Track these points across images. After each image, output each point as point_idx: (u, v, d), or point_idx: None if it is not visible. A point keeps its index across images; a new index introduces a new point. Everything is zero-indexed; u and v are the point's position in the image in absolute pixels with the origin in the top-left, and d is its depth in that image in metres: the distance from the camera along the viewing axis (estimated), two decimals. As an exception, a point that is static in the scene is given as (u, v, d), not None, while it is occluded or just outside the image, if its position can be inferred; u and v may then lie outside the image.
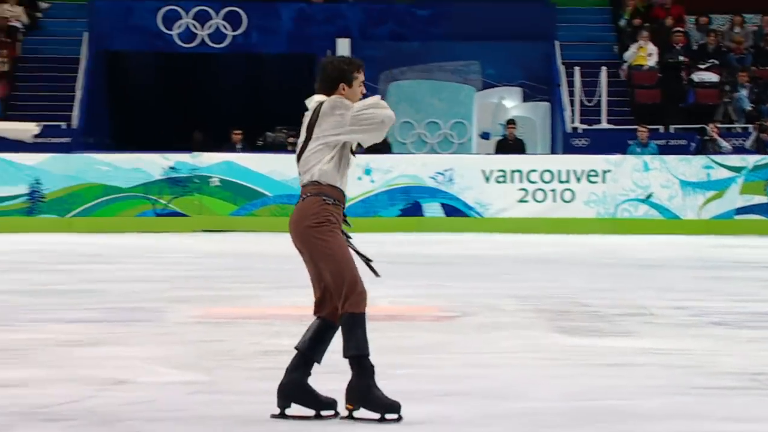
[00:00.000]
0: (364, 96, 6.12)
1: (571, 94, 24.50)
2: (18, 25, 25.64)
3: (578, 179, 21.41)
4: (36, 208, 20.94)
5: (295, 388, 6.05)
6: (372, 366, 6.05)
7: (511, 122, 23.61)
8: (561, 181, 21.41)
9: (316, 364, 6.12)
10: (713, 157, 21.68)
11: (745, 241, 19.70)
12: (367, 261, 6.09)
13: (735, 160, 21.54)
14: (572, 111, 24.37)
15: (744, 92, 24.27)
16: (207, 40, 25.22)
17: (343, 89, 6.00)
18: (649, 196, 21.29)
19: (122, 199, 20.97)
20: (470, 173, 21.39)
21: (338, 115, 5.94)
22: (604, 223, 21.23)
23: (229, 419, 6.13)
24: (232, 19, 25.23)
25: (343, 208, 6.05)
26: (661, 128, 23.94)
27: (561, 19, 25.96)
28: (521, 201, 21.42)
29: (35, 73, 24.99)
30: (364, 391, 6.01)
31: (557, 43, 25.38)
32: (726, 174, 21.27)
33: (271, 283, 13.18)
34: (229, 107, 25.80)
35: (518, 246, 18.41)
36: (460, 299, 11.36)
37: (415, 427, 5.99)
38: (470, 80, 25.52)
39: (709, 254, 17.48)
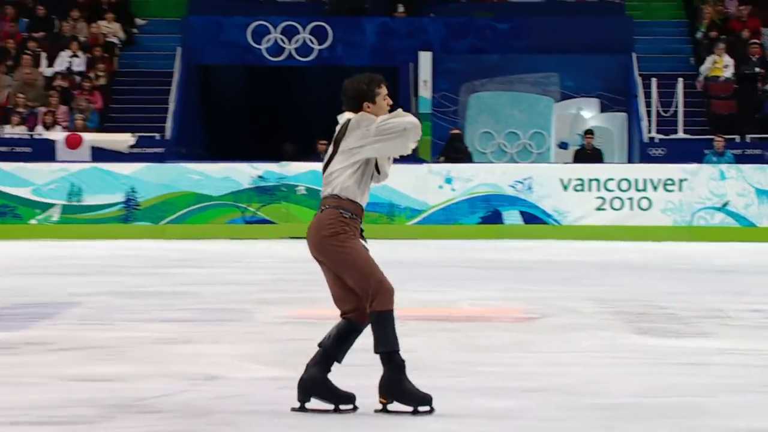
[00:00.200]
0: (393, 108, 6.09)
1: (648, 105, 24.31)
2: (115, 40, 25.97)
3: (655, 188, 21.23)
4: (131, 215, 21.17)
5: (314, 383, 6.08)
6: (403, 361, 6.06)
7: (589, 132, 23.47)
8: (638, 190, 21.24)
9: (336, 363, 6.14)
10: (788, 166, 21.41)
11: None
12: None
13: (810, 168, 21.24)
14: (649, 121, 24.17)
15: (819, 102, 23.91)
16: (294, 54, 25.38)
17: (368, 107, 6.07)
18: (725, 204, 21.05)
19: (213, 207, 21.13)
20: (549, 182, 21.29)
21: (364, 128, 6.01)
22: (681, 231, 21.01)
23: (315, 412, 6.15)
24: (319, 34, 25.36)
25: (361, 221, 6.09)
26: (737, 138, 23.66)
27: (638, 31, 25.79)
28: (599, 209, 21.28)
29: (131, 87, 25.29)
30: (396, 385, 6.02)
31: (634, 55, 25.20)
32: (801, 182, 20.99)
33: (355, 286, 13.18)
34: (315, 118, 25.90)
35: (596, 252, 18.28)
36: (538, 302, 11.31)
37: (495, 421, 5.98)
38: (549, 92, 25.42)
39: (784, 261, 17.25)
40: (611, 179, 21.32)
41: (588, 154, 22.96)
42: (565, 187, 21.29)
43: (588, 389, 6.82)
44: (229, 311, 10.69)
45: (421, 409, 5.99)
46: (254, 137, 25.84)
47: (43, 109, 23.79)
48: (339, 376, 6.17)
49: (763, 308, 11.03)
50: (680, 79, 24.03)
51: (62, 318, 10.24)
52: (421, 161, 23.03)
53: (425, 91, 25.02)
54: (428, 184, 21.22)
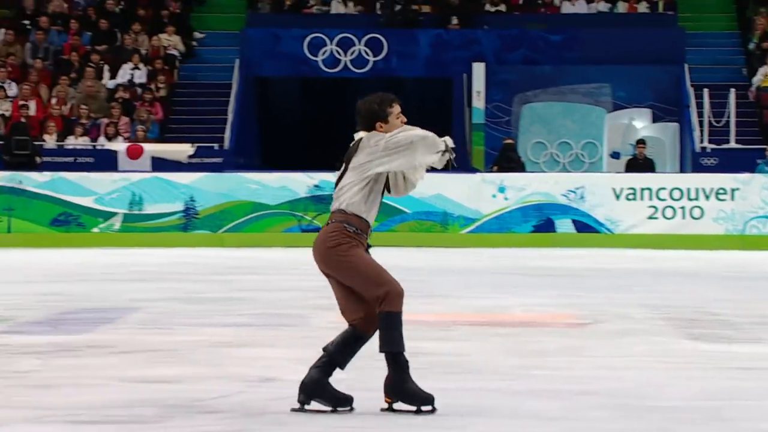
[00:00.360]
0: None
1: (700, 115, 24.12)
2: (175, 53, 26.16)
3: (707, 197, 21.06)
4: (190, 224, 21.29)
5: (315, 386, 6.11)
6: (407, 361, 6.09)
7: (641, 142, 23.33)
8: (690, 199, 21.08)
9: (339, 369, 6.18)
10: (841, 175, 21.16)
11: None
12: None
13: None
14: (701, 131, 23.99)
15: None
16: (350, 65, 25.45)
17: (380, 126, 6.13)
18: (778, 213, 20.85)
19: (270, 215, 21.20)
20: (601, 191, 21.18)
21: (373, 144, 6.06)
22: (733, 240, 20.82)
23: (370, 413, 6.14)
24: (374, 46, 25.42)
25: (367, 236, 6.13)
26: (789, 148, 23.42)
27: (691, 42, 25.63)
28: (651, 218, 21.14)
29: (191, 98, 25.46)
30: (400, 384, 6.06)
31: (686, 66, 25.03)
32: None
33: (408, 292, 13.10)
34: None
35: (648, 260, 18.15)
36: (590, 308, 11.24)
37: (548, 422, 5.95)
38: (601, 102, 25.31)
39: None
40: (663, 188, 21.18)
41: (640, 163, 22.81)
42: (618, 197, 21.17)
43: (640, 392, 6.77)
44: (285, 316, 10.71)
45: (423, 408, 6.03)
46: (310, 147, 25.90)
47: (105, 121, 24.00)
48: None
49: (816, 315, 10.90)
50: (732, 90, 23.85)
51: (123, 322, 10.31)
52: (474, 171, 23.00)
53: (478, 101, 24.99)
54: (481, 194, 21.18)
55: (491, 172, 22.46)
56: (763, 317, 10.63)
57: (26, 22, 26.48)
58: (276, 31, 25.68)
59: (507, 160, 22.71)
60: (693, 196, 21.08)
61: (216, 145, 23.83)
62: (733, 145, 23.75)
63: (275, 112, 27.44)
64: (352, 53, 25.39)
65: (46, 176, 21.25)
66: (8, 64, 25.25)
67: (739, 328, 9.92)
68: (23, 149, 22.40)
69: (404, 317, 10.58)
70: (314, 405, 6.14)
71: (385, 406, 6.12)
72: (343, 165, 6.18)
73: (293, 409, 6.14)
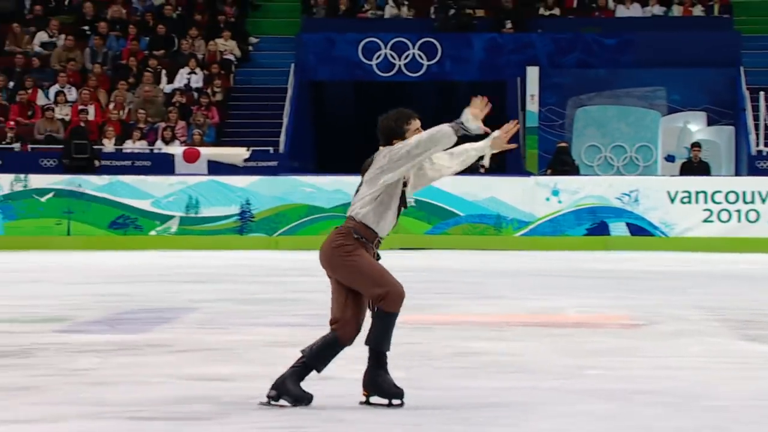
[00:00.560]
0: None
1: (756, 118, 23.91)
2: (231, 58, 26.30)
3: (763, 200, 20.88)
4: (246, 227, 21.40)
5: (282, 386, 6.21)
6: (386, 360, 6.23)
7: (696, 145, 23.16)
8: (746, 202, 20.91)
9: (315, 373, 6.27)
10: None
11: None
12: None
13: None
14: (757, 135, 23.78)
15: None
16: (404, 69, 25.47)
17: (398, 143, 6.21)
18: (834, 216, 20.62)
19: (325, 218, 21.26)
20: (656, 194, 21.06)
21: (382, 158, 6.21)
22: (789, 243, 20.63)
23: (425, 410, 6.15)
24: (428, 50, 25.42)
25: (374, 246, 6.24)
26: None
27: (746, 45, 25.41)
28: (706, 221, 20.99)
29: (246, 102, 25.58)
30: (375, 378, 6.20)
31: (742, 69, 24.82)
32: None
33: (462, 294, 13.20)
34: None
35: (703, 263, 18.02)
36: (645, 310, 11.18)
37: (603, 421, 5.92)
38: (656, 105, 25.16)
39: None
40: (719, 191, 21.02)
41: (695, 166, 22.65)
42: (672, 200, 21.04)
43: (695, 392, 6.73)
44: (341, 317, 10.71)
45: (394, 402, 6.16)
46: (364, 151, 25.88)
47: (162, 125, 24.17)
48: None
49: None
50: (788, 93, 23.64)
51: (181, 322, 10.39)
52: (528, 174, 22.94)
53: (532, 105, 24.92)
54: (535, 196, 21.12)
55: (545, 175, 22.39)
56: (819, 319, 10.53)
57: (86, 27, 26.74)
58: (331, 36, 25.75)
59: (561, 164, 22.63)
60: (749, 199, 20.91)
61: (271, 149, 23.92)
62: (789, 148, 23.54)
63: (330, 115, 27.52)
64: (406, 57, 25.42)
65: (104, 180, 21.45)
66: (68, 69, 25.51)
67: (795, 330, 9.84)
68: (82, 153, 22.61)
69: (453, 317, 10.66)
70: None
71: (363, 399, 6.25)
72: (361, 176, 6.33)
73: (261, 403, 6.23)
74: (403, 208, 6.37)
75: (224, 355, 8.36)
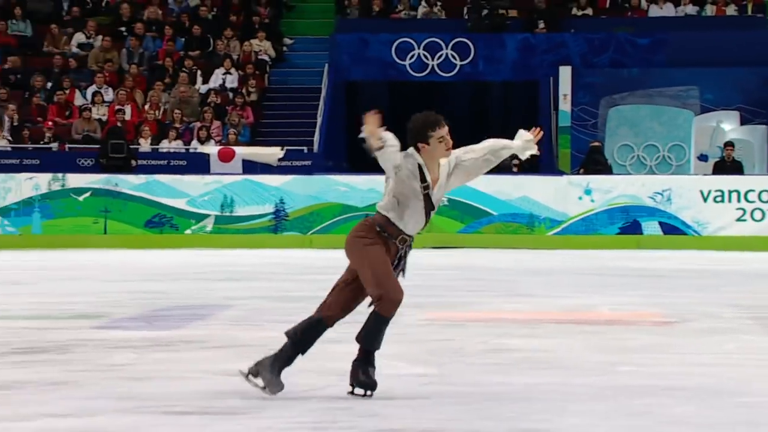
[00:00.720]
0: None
1: (789, 117, 23.79)
2: (266, 58, 26.36)
3: (796, 199, 20.76)
4: (280, 226, 21.44)
5: (264, 366, 6.41)
6: (373, 356, 6.42)
7: (729, 144, 23.03)
8: (779, 201, 20.79)
9: (300, 355, 6.49)
10: None
11: None
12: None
13: None
14: (790, 134, 23.65)
15: None
16: (437, 70, 25.45)
17: (423, 147, 6.36)
18: None
19: (359, 217, 21.12)
20: (688, 193, 20.96)
21: (450, 163, 6.47)
22: (822, 242, 20.48)
23: (458, 405, 6.14)
24: (461, 50, 25.39)
25: (396, 242, 6.35)
26: None
27: (779, 44, 25.27)
28: (739, 220, 20.87)
29: (280, 102, 25.63)
30: (357, 373, 6.40)
31: (775, 68, 24.69)
32: None
33: (495, 292, 13.17)
34: (456, 132, 25.88)
35: (736, 262, 17.91)
36: (678, 307, 11.12)
37: (636, 416, 5.89)
38: (689, 105, 25.03)
39: None
40: (752, 190, 20.90)
41: (728, 165, 22.53)
42: (705, 199, 20.93)
43: (729, 388, 6.69)
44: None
45: (356, 391, 6.35)
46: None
47: (198, 124, 24.26)
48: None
49: None
50: (822, 91, 23.48)
51: (215, 319, 10.41)
52: (561, 173, 22.88)
53: (565, 104, 24.85)
54: (568, 196, 21.06)
55: (578, 174, 22.32)
56: None
57: (122, 28, 26.87)
58: (364, 36, 25.76)
59: (594, 163, 22.55)
60: (782, 198, 20.79)
61: (305, 148, 23.95)
62: (823, 147, 23.38)
63: (363, 115, 27.49)
64: (440, 57, 25.40)
65: (140, 179, 21.54)
66: (105, 70, 25.64)
67: (829, 328, 9.76)
68: (119, 153, 22.73)
69: (486, 314, 10.63)
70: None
71: (350, 389, 6.42)
72: None
73: (241, 371, 6.41)
74: (432, 211, 6.41)
75: (259, 351, 8.29)
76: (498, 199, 21.00)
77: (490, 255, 19.19)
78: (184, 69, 25.45)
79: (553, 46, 25.43)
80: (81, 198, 21.38)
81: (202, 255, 19.34)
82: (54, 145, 23.78)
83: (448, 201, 20.96)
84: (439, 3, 26.96)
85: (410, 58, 25.44)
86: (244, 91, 25.24)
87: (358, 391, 6.35)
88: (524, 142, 6.59)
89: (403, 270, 6.46)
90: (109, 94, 25.11)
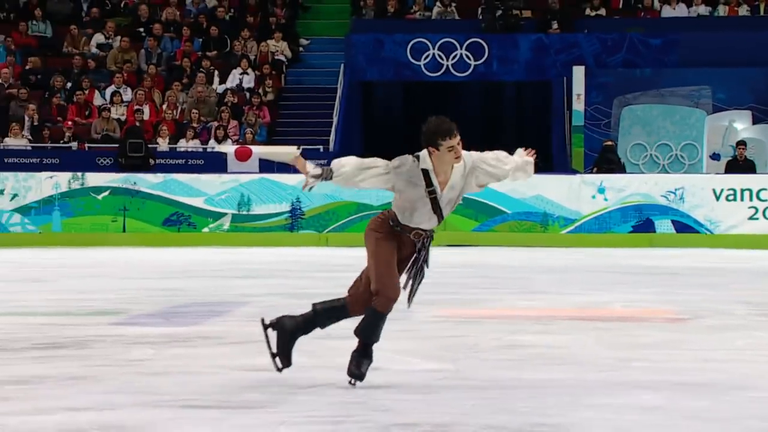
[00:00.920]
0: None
1: (801, 116, 23.72)
2: (282, 58, 26.39)
3: (808, 198, 20.69)
4: (296, 224, 21.45)
5: (284, 329, 6.67)
6: (371, 348, 6.61)
7: (741, 143, 22.98)
8: (791, 200, 20.73)
9: (319, 329, 6.76)
10: None
11: None
12: (411, 294, 6.64)
13: None
14: (802, 133, 23.58)
15: None
16: (451, 69, 25.44)
17: (433, 151, 6.42)
18: None
19: (373, 215, 21.19)
20: (701, 192, 20.90)
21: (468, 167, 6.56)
22: (834, 240, 20.41)
23: (473, 400, 6.14)
24: (475, 50, 25.38)
25: (410, 236, 6.48)
26: None
27: (791, 45, 25.21)
28: (751, 218, 20.80)
29: (297, 102, 25.66)
30: (351, 363, 6.60)
31: (787, 68, 24.64)
32: None
33: (509, 289, 13.16)
34: (470, 131, 25.89)
35: (748, 260, 17.86)
36: (690, 304, 11.10)
37: (649, 411, 5.88)
38: (701, 104, 24.98)
39: None
40: (764, 189, 20.83)
41: (740, 164, 22.47)
42: (717, 197, 20.87)
43: (742, 383, 6.67)
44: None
45: (357, 383, 6.52)
46: (411, 149, 25.91)
47: (215, 124, 24.29)
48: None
49: None
50: (833, 91, 23.41)
51: (232, 315, 10.43)
52: (574, 172, 22.84)
53: (578, 104, 24.82)
54: (581, 194, 21.02)
55: (591, 173, 22.29)
56: None
57: (140, 29, 26.93)
58: (379, 37, 25.76)
59: (607, 162, 22.51)
60: (794, 197, 20.73)
61: (321, 148, 23.97)
62: (834, 146, 23.31)
63: (379, 115, 27.55)
64: (454, 57, 25.38)
65: (158, 178, 21.57)
66: (124, 70, 25.70)
67: (841, 325, 9.72)
68: (137, 152, 22.77)
69: (500, 311, 10.63)
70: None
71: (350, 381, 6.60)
72: None
73: (262, 321, 6.68)
74: (442, 211, 6.50)
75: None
76: (512, 197, 20.97)
77: (504, 253, 19.17)
78: (201, 69, 25.49)
79: (567, 47, 25.39)
80: (100, 197, 21.43)
81: (219, 253, 19.36)
82: (73, 145, 23.85)
83: (462, 200, 20.94)
84: (453, 3, 26.95)
85: (425, 59, 25.43)
86: (260, 91, 25.27)
87: (356, 382, 6.53)
88: (523, 162, 6.56)
89: (425, 261, 6.52)
90: (127, 94, 25.17)
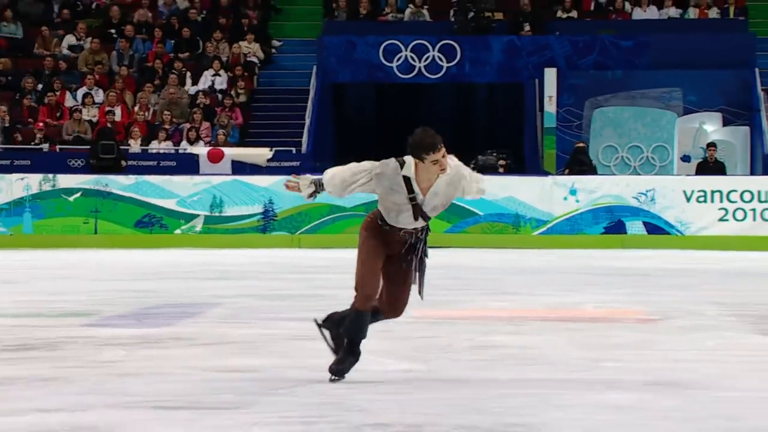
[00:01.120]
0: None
1: (771, 118, 23.86)
2: (254, 60, 26.35)
3: (777, 199, 20.83)
4: (269, 226, 21.42)
5: (335, 325, 6.89)
6: (357, 347, 6.81)
7: (711, 145, 23.10)
8: (761, 201, 20.83)
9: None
10: None
11: None
12: (419, 286, 6.85)
13: None
14: (771, 135, 23.74)
15: None
16: (424, 71, 25.46)
17: (418, 163, 6.56)
18: None
19: (346, 217, 21.26)
20: (672, 193, 21.01)
21: (445, 182, 6.70)
22: (803, 241, 20.55)
23: (445, 400, 6.15)
24: (447, 52, 25.41)
25: (402, 234, 6.63)
26: None
27: (761, 47, 25.33)
28: (721, 220, 20.92)
29: (269, 104, 25.63)
30: (337, 358, 6.84)
31: (757, 71, 24.75)
32: None
33: (481, 290, 13.19)
34: (443, 132, 25.90)
35: (719, 261, 17.96)
36: (661, 305, 11.16)
37: (619, 410, 5.91)
38: (672, 106, 25.10)
39: None
40: (734, 191, 20.95)
41: (710, 166, 22.59)
42: (688, 199, 20.98)
43: (711, 383, 6.72)
44: (362, 312, 10.71)
45: (338, 378, 6.72)
46: (384, 151, 25.90)
47: (187, 126, 24.24)
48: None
49: None
50: (803, 94, 23.58)
51: (205, 317, 10.41)
52: (546, 174, 22.91)
53: (550, 106, 24.90)
54: (553, 196, 21.09)
55: (563, 174, 22.36)
56: (833, 314, 10.48)
57: (112, 31, 26.84)
58: (352, 38, 25.76)
59: (578, 163, 22.59)
60: (763, 198, 20.84)
61: (294, 149, 23.96)
62: (804, 148, 23.47)
63: (351, 116, 27.55)
64: (426, 59, 25.41)
65: (130, 179, 21.50)
66: (95, 71, 25.61)
67: (810, 325, 9.80)
68: (109, 154, 22.69)
69: (472, 312, 10.70)
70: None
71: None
72: None
73: (315, 321, 6.94)
74: (424, 216, 6.63)
75: (247, 348, 8.38)
76: (484, 199, 21.00)
77: (476, 254, 19.21)
78: (173, 71, 25.43)
79: (538, 48, 25.46)
80: (71, 198, 21.35)
81: (191, 254, 19.33)
82: (45, 146, 23.74)
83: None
84: (425, 5, 26.98)
85: (397, 60, 25.45)
86: (233, 92, 25.23)
87: (336, 377, 6.72)
88: (482, 189, 6.80)
89: (425, 253, 6.61)
90: (99, 96, 25.08)
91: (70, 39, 26.57)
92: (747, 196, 20.86)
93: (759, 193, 20.85)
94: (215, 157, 22.99)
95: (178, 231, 21.35)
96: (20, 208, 21.30)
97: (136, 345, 8.43)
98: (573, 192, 21.05)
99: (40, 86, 25.35)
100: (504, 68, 25.40)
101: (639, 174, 23.85)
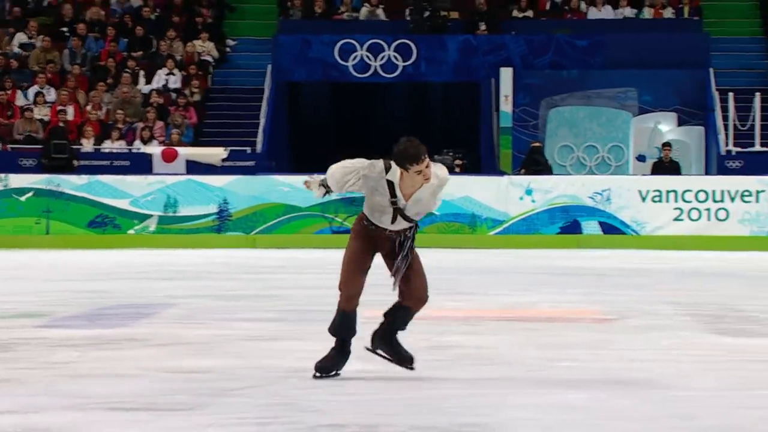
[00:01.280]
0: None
1: (725, 119, 24.04)
2: (209, 59, 26.28)
3: (732, 199, 20.99)
4: (224, 225, 21.37)
5: (384, 342, 7.01)
6: (347, 345, 6.96)
7: (666, 145, 23.27)
8: (715, 201, 21.01)
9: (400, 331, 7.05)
10: None
11: None
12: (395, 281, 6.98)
13: None
14: (726, 135, 23.92)
15: None
16: (379, 71, 25.48)
17: (403, 172, 6.63)
18: (802, 214, 20.74)
19: (302, 217, 21.26)
20: (627, 193, 21.15)
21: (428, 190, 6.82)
22: (758, 241, 20.74)
23: (402, 400, 6.17)
24: (403, 51, 25.45)
25: (384, 233, 6.78)
26: (813, 150, 23.32)
27: (715, 47, 25.55)
28: (676, 219, 21.08)
29: (223, 103, 25.56)
30: (329, 357, 6.97)
31: (711, 71, 24.96)
32: None
33: (437, 290, 13.07)
34: (398, 132, 25.89)
35: (674, 261, 18.11)
36: (617, 305, 11.24)
37: (575, 410, 5.96)
38: (627, 106, 25.26)
39: None
40: (689, 191, 21.12)
41: (666, 166, 22.76)
42: (644, 199, 21.13)
43: (666, 383, 6.78)
44: (316, 312, 10.68)
45: (316, 373, 6.86)
46: (340, 151, 25.88)
47: (141, 125, 24.13)
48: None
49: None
50: (757, 94, 23.77)
51: (159, 317, 10.38)
52: (502, 173, 23.00)
53: (506, 105, 24.99)
54: (509, 196, 21.18)
55: (519, 174, 22.46)
56: (787, 313, 10.60)
57: (64, 29, 26.67)
58: (307, 37, 25.74)
59: (534, 163, 22.70)
60: (718, 198, 21.01)
61: (248, 149, 23.91)
62: (758, 148, 23.68)
63: (306, 116, 27.52)
64: (382, 58, 25.43)
65: (83, 179, 21.38)
66: (47, 70, 25.44)
67: (764, 324, 9.91)
68: (61, 153, 22.56)
69: (429, 312, 10.77)
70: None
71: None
72: None
73: (366, 347, 6.97)
74: (406, 219, 6.78)
75: (202, 349, 8.36)
76: (440, 199, 21.05)
77: (432, 254, 19.09)
78: (126, 69, 25.31)
79: (494, 48, 25.55)
80: (23, 198, 21.20)
81: (145, 255, 19.25)
82: (-5, 146, 23.56)
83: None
84: (381, 4, 27.01)
85: (353, 59, 25.45)
86: (187, 91, 25.14)
87: (323, 375, 6.86)
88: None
89: (411, 249, 6.68)
90: (51, 95, 24.91)
91: (21, 37, 26.37)
92: (702, 196, 21.04)
93: (713, 192, 21.03)
94: (169, 157, 22.91)
95: (131, 231, 21.25)
96: (-29, 208, 21.14)
97: (89, 346, 8.40)
98: (529, 192, 21.15)
99: (-10, 85, 25.15)
100: (460, 68, 25.48)
101: (595, 174, 23.99)
